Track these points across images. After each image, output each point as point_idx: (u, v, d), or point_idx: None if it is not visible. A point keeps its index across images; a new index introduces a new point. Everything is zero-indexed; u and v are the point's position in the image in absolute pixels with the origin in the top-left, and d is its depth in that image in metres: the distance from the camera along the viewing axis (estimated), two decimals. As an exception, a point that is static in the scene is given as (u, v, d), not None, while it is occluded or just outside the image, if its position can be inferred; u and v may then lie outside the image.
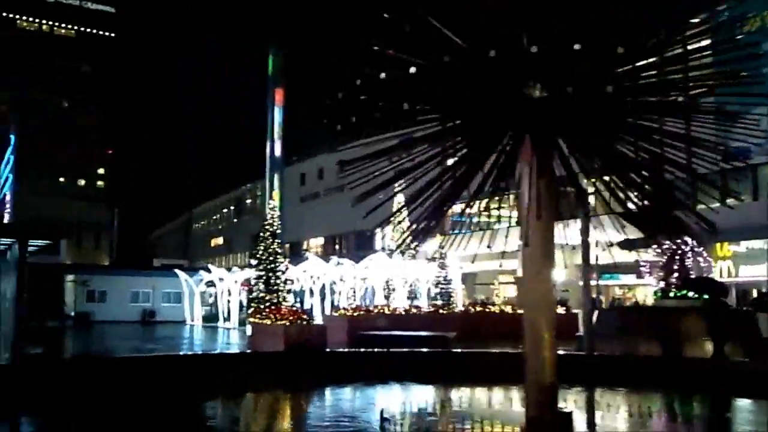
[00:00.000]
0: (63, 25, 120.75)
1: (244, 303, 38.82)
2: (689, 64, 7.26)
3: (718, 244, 30.31)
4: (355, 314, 25.14)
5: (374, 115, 6.96)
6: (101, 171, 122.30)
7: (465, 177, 7.28)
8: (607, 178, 7.43)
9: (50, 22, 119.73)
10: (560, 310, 31.60)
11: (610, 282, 39.55)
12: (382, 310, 26.60)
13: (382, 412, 9.45)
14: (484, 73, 6.99)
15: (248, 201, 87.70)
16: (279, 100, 59.23)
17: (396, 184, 8.02)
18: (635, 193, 7.49)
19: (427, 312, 28.00)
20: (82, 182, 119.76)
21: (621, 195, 7.31)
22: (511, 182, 7.84)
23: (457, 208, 7.97)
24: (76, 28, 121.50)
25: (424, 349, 18.24)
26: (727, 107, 7.17)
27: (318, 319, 26.03)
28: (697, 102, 7.46)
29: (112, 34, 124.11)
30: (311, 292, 33.40)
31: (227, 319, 38.71)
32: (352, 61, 6.98)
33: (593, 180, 7.68)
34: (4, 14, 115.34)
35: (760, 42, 7.53)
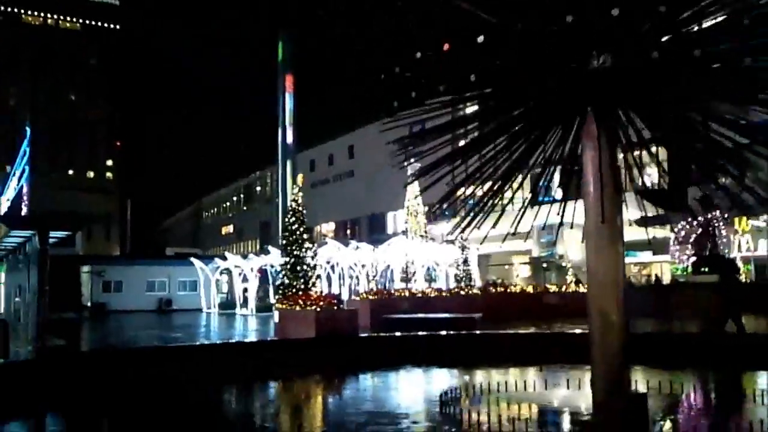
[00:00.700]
0: (68, 18, 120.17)
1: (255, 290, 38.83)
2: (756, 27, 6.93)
3: (737, 219, 30.01)
4: (377, 298, 24.91)
5: (438, 89, 6.63)
6: (110, 163, 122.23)
7: (525, 153, 6.98)
8: (665, 148, 7.13)
9: (55, 16, 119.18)
10: (582, 289, 31.49)
11: (628, 259, 39.33)
12: (403, 294, 26.37)
13: (441, 396, 9.24)
14: (548, 44, 6.67)
15: (257, 188, 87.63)
16: (289, 86, 58.98)
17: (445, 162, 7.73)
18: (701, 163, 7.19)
19: (447, 293, 27.76)
20: (91, 174, 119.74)
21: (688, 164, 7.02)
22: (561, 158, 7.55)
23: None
24: (81, 20, 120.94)
25: (459, 331, 17.99)
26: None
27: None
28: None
29: (117, 26, 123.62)
30: (328, 277, 33.26)
31: (243, 306, 38.65)
32: (407, 36, 6.66)
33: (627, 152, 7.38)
34: (9, 9, 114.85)
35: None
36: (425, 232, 36.01)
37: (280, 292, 21.68)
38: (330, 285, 32.96)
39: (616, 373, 7.26)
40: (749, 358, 13.59)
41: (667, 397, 10.44)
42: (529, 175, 7.95)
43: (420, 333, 17.69)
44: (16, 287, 31.99)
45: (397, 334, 17.85)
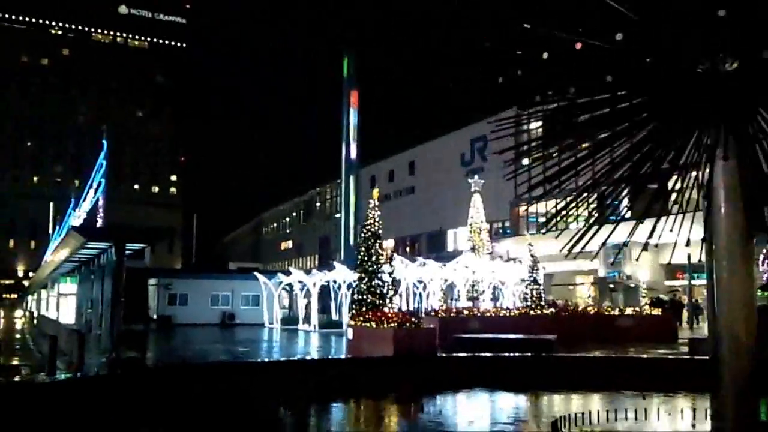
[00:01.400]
0: (136, 37, 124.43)
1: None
2: None
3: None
4: (446, 316, 24.41)
5: (567, 90, 6.25)
6: (173, 178, 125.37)
7: (656, 159, 6.50)
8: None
9: (124, 34, 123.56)
10: (656, 311, 30.27)
11: (697, 282, 37.75)
12: (472, 312, 25.81)
13: (555, 423, 8.78)
14: (674, 43, 6.22)
15: (317, 204, 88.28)
16: (354, 102, 59.32)
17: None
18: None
19: (516, 313, 27.06)
20: (156, 189, 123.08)
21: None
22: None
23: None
24: (148, 39, 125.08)
25: (540, 354, 17.36)
26: None
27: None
28: None
29: (184, 44, 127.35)
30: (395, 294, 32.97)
31: (306, 321, 38.61)
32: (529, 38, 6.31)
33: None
34: (80, 27, 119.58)
35: None
36: (489, 250, 35.36)
37: (354, 308, 21.35)
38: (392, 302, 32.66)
39: (748, 400, 6.70)
40: None
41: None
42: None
43: (504, 354, 17.06)
44: (88, 299, 32.72)
45: (483, 354, 17.33)
